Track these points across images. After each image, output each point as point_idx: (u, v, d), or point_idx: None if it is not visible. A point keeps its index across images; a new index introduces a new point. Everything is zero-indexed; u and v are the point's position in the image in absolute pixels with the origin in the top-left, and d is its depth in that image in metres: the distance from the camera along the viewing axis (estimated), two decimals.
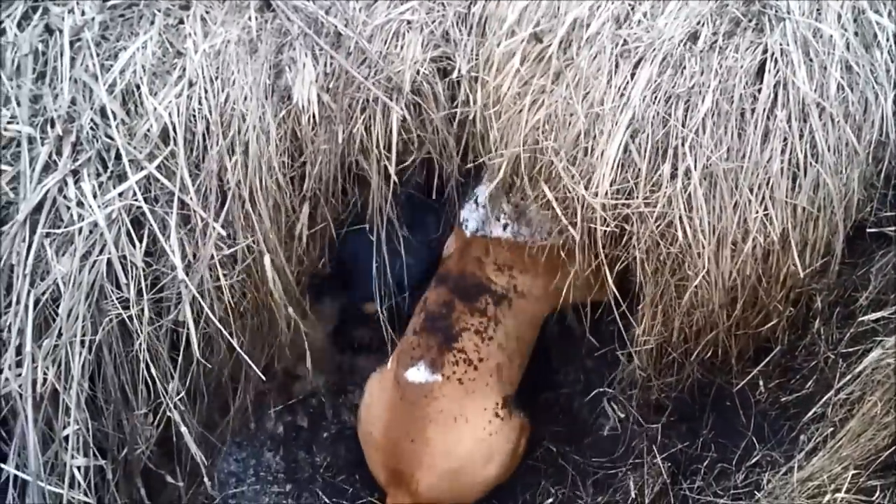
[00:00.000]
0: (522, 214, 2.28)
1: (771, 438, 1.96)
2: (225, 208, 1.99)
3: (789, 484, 1.72)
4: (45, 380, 1.72)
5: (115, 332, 1.85)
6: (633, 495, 2.14)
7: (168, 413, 1.79)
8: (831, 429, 1.78)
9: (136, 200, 1.87)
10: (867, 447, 1.62)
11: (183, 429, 1.77)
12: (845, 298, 2.06)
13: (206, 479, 1.83)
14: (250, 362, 1.93)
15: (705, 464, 2.13)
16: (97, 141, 1.90)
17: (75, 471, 1.69)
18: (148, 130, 1.93)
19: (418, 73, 2.16)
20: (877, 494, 1.55)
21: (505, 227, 2.28)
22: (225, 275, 1.98)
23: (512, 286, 2.24)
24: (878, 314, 1.79)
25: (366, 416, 2.26)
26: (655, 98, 2.04)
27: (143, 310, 1.83)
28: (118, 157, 1.90)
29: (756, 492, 1.82)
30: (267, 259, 1.98)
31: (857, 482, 1.58)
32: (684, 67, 2.05)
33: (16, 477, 1.68)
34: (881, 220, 2.10)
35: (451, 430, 2.13)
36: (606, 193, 2.03)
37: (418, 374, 2.16)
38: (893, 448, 1.58)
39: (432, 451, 2.12)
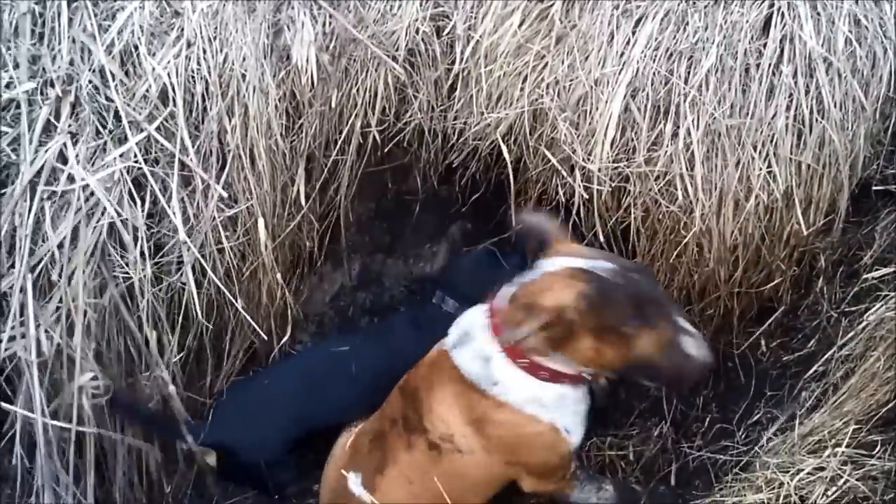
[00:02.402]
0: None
1: (772, 397, 1.96)
2: (225, 170, 1.99)
3: (790, 440, 1.72)
4: (49, 339, 1.74)
5: (118, 294, 1.86)
6: (631, 455, 2.15)
7: (161, 373, 1.80)
8: (833, 385, 1.78)
9: (136, 162, 1.87)
10: (868, 402, 1.62)
11: (171, 389, 1.79)
12: (849, 257, 2.04)
13: (188, 442, 1.85)
14: (255, 324, 1.94)
15: (706, 423, 2.14)
16: (96, 102, 1.89)
17: (86, 407, 1.71)
18: (147, 91, 1.92)
19: (417, 31, 2.13)
20: (877, 449, 1.55)
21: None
22: (227, 237, 1.99)
23: (449, 436, 1.78)
24: (882, 271, 1.78)
25: (327, 467, 2.05)
26: (657, 55, 2.01)
27: (145, 272, 1.84)
28: (118, 118, 1.90)
29: (757, 449, 1.82)
30: (261, 222, 1.98)
31: (858, 437, 1.58)
32: (687, 23, 2.03)
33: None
34: (887, 177, 2.07)
35: None
36: (607, 157, 2.03)
37: (354, 482, 1.87)
38: (894, 403, 1.58)
39: None
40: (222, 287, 1.90)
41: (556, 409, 1.75)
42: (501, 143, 2.16)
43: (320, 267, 2.49)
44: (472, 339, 1.78)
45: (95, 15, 1.97)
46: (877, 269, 1.84)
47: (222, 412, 2.01)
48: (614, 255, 1.77)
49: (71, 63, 1.91)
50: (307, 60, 2.05)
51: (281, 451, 1.99)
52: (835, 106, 1.95)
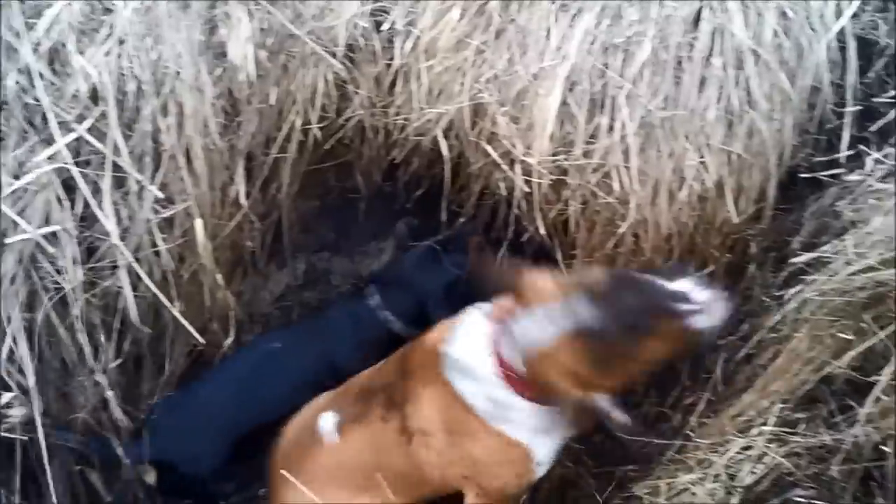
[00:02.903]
0: None
1: (707, 380, 2.01)
2: (161, 170, 1.96)
3: (721, 420, 1.77)
4: None
5: (49, 301, 1.83)
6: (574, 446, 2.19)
7: (98, 378, 1.77)
8: (762, 367, 1.84)
9: (66, 164, 1.83)
10: (793, 382, 1.67)
11: (109, 394, 1.77)
12: (779, 243, 2.10)
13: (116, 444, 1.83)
14: (191, 329, 1.92)
15: (644, 409, 2.19)
16: (23, 103, 1.85)
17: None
18: (76, 91, 1.88)
19: (356, 26, 2.13)
20: (801, 426, 1.61)
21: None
22: (164, 239, 1.96)
23: (423, 430, 1.80)
24: (808, 255, 1.84)
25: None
26: (593, 49, 2.05)
27: (77, 279, 1.80)
28: (46, 119, 1.85)
29: (691, 433, 1.87)
30: (198, 223, 1.96)
31: (783, 415, 1.64)
32: (622, 17, 2.06)
33: None
34: (814, 165, 2.13)
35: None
36: (546, 150, 2.06)
37: (328, 421, 1.90)
38: (816, 382, 1.64)
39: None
40: (157, 292, 1.87)
41: (543, 437, 1.75)
42: (441, 139, 2.18)
43: (264, 267, 2.48)
44: (473, 375, 1.73)
45: (23, 12, 1.93)
46: (804, 254, 1.89)
47: (157, 427, 1.97)
48: (584, 281, 1.64)
49: None
50: (244, 57, 2.03)
51: (220, 459, 1.96)
52: (763, 97, 2.01)
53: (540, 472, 1.81)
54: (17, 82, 1.85)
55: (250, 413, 2.01)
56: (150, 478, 1.95)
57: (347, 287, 2.62)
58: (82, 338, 1.80)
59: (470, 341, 1.77)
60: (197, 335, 1.90)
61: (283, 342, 2.13)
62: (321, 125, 2.21)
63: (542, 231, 2.14)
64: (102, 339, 1.87)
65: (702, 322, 1.58)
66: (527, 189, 2.10)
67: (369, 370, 1.98)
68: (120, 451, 1.90)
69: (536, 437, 1.76)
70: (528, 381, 1.68)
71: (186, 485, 1.97)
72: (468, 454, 1.77)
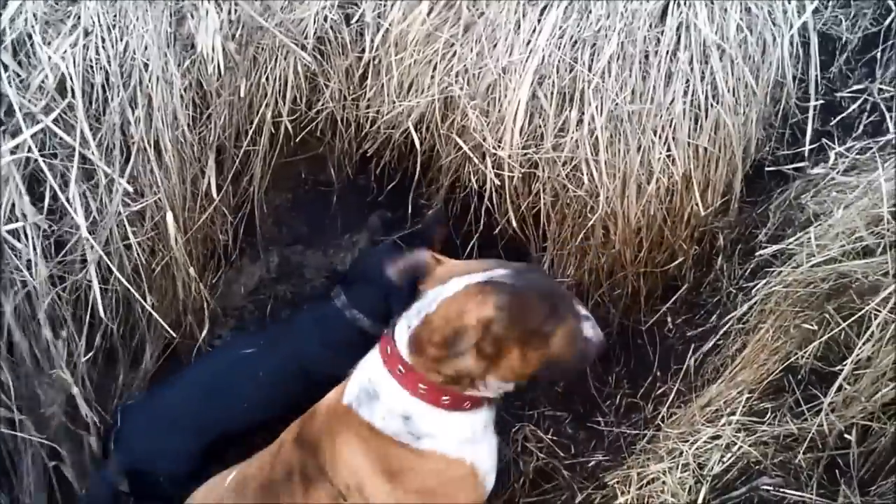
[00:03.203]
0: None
1: (677, 371, 2.04)
2: (130, 163, 1.95)
3: (690, 410, 1.81)
4: None
5: (18, 295, 1.80)
6: (547, 439, 2.21)
7: (62, 374, 1.75)
8: (730, 357, 1.88)
9: (31, 154, 1.80)
10: (760, 372, 1.71)
11: (75, 390, 1.75)
12: (746, 235, 2.14)
13: (90, 439, 1.81)
14: (162, 321, 1.91)
15: (618, 399, 2.22)
16: None
17: None
18: (43, 82, 1.86)
19: (325, 19, 2.12)
20: (767, 416, 1.64)
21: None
22: (134, 232, 1.95)
23: (357, 485, 1.63)
24: (775, 247, 1.87)
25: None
26: (562, 43, 2.06)
27: (43, 273, 1.78)
28: (11, 110, 1.83)
29: (659, 422, 1.90)
30: (169, 216, 1.94)
31: (750, 405, 1.67)
32: (590, 12, 2.08)
33: None
34: (779, 158, 2.18)
35: None
36: (516, 143, 2.07)
37: None
38: (782, 372, 1.68)
39: None
40: (128, 285, 1.85)
41: (478, 445, 1.66)
42: (413, 132, 2.18)
43: (237, 260, 2.46)
44: (377, 397, 1.62)
45: None
46: (770, 246, 1.93)
47: (124, 436, 1.92)
48: (501, 261, 1.67)
49: None
50: (213, 49, 2.02)
51: (191, 462, 1.94)
52: (728, 91, 2.04)
53: (490, 482, 1.70)
54: None
55: (220, 417, 1.98)
56: (124, 486, 1.92)
57: (321, 281, 2.62)
58: (48, 333, 1.77)
59: (365, 369, 1.68)
60: (169, 329, 1.89)
61: (252, 347, 2.10)
62: (292, 118, 2.21)
63: (514, 224, 2.16)
64: (74, 333, 1.84)
65: (588, 330, 1.59)
66: (497, 182, 2.12)
67: (253, 463, 1.78)
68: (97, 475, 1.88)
69: (471, 449, 1.65)
70: (424, 374, 1.58)
71: (158, 488, 1.95)
72: (416, 488, 1.62)
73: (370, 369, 1.66)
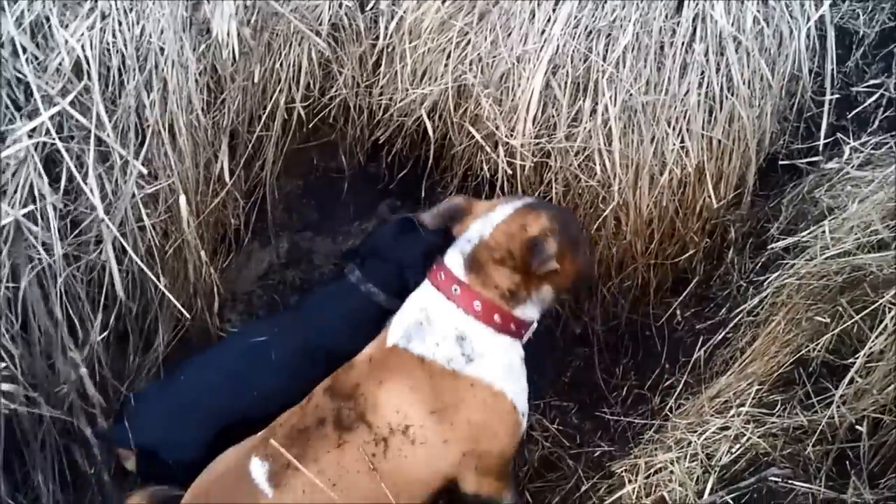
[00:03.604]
0: None
1: (686, 363, 2.04)
2: (145, 146, 1.95)
3: (699, 401, 1.81)
4: None
5: (34, 274, 1.82)
6: (553, 428, 2.22)
7: (72, 353, 1.76)
8: (739, 350, 1.88)
9: (50, 138, 1.81)
10: (770, 364, 1.72)
11: (83, 370, 1.76)
12: (758, 229, 2.14)
13: (100, 420, 1.82)
14: (175, 301, 1.92)
15: (625, 390, 2.22)
16: (6, 76, 1.83)
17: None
18: (60, 65, 1.86)
19: (340, 6, 2.13)
20: (777, 408, 1.65)
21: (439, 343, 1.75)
22: (147, 214, 1.95)
23: (402, 426, 1.70)
24: (786, 241, 1.87)
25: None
26: (576, 33, 2.06)
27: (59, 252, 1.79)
28: (29, 93, 1.84)
29: (667, 413, 1.91)
30: (182, 199, 1.95)
31: (760, 397, 1.68)
32: (605, 2, 2.08)
33: None
34: (793, 152, 2.17)
35: None
36: (529, 133, 2.07)
37: (258, 470, 1.71)
38: (793, 364, 1.68)
39: None
40: (142, 265, 1.86)
41: (517, 383, 1.77)
42: (426, 119, 2.18)
43: (248, 245, 2.47)
44: (432, 323, 1.75)
45: None
46: (783, 238, 1.93)
47: (139, 413, 1.92)
48: (518, 193, 1.90)
49: None
50: (228, 34, 2.02)
51: (204, 448, 1.94)
52: (744, 83, 2.04)
53: (525, 424, 1.80)
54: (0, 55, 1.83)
55: (236, 404, 1.97)
56: (130, 464, 1.93)
57: (329, 268, 2.62)
58: (62, 311, 1.78)
59: (413, 303, 1.81)
60: (182, 309, 1.90)
61: (264, 334, 2.06)
62: (305, 104, 2.21)
63: None
64: (89, 313, 1.86)
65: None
66: (510, 171, 2.12)
67: (283, 417, 1.80)
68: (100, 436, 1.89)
69: (511, 384, 1.76)
70: (480, 290, 1.75)
71: (166, 471, 1.96)
72: (464, 423, 1.71)
73: (420, 300, 1.81)
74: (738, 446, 1.60)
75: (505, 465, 1.81)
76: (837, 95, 2.15)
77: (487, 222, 1.78)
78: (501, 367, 1.76)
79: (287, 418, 1.79)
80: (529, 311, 1.80)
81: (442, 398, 1.71)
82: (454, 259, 1.79)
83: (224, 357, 2.07)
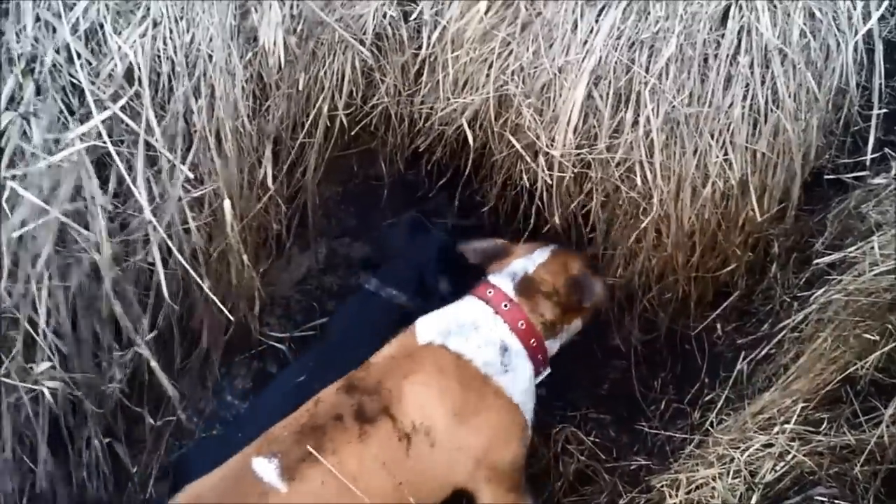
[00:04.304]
0: None
1: (726, 378, 2.02)
2: (192, 151, 1.99)
3: (742, 417, 1.78)
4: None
5: (85, 273, 1.86)
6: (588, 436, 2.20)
7: (136, 349, 1.80)
8: (783, 366, 1.85)
9: (101, 141, 1.85)
10: (816, 381, 1.68)
11: (153, 363, 1.79)
12: (802, 244, 2.11)
13: (179, 412, 1.85)
14: (219, 303, 1.95)
15: (663, 404, 2.20)
16: (60, 81, 1.88)
17: (46, 392, 1.70)
18: (112, 70, 1.91)
19: (384, 15, 2.15)
20: (823, 426, 1.61)
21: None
22: (193, 217, 1.99)
23: (424, 427, 1.75)
24: (832, 256, 1.84)
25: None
26: (619, 44, 2.05)
27: (107, 252, 1.83)
28: (82, 97, 1.88)
29: (709, 428, 1.88)
30: (227, 203, 1.98)
31: (805, 414, 1.65)
32: (648, 13, 2.07)
33: None
34: (838, 166, 2.14)
35: None
36: (570, 143, 2.07)
37: (266, 467, 1.70)
38: (840, 382, 1.65)
39: None
40: (188, 266, 1.90)
41: (529, 403, 1.90)
42: (467, 129, 2.19)
43: (288, 250, 2.50)
44: (478, 328, 1.88)
45: None
46: (830, 254, 1.90)
47: (191, 470, 1.86)
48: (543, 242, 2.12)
49: (35, 41, 1.89)
50: (274, 42, 2.06)
51: None
52: (789, 96, 2.01)
53: (528, 440, 1.91)
54: (55, 60, 1.88)
55: None
56: None
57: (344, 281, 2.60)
58: (114, 310, 1.82)
59: (457, 309, 1.94)
60: (225, 309, 1.93)
61: (306, 372, 2.06)
62: (347, 112, 2.24)
63: (558, 223, 2.16)
64: (139, 312, 1.89)
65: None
66: (549, 181, 2.11)
67: (287, 419, 1.80)
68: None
69: (526, 402, 1.89)
70: (528, 314, 1.92)
71: None
72: (484, 429, 1.80)
73: (465, 309, 1.94)
74: (782, 464, 1.57)
75: (517, 474, 1.89)
76: (885, 110, 2.10)
77: (530, 261, 2.01)
78: (522, 384, 1.89)
79: (292, 421, 1.80)
80: (554, 346, 2.00)
81: (467, 398, 1.80)
82: (503, 282, 1.97)
83: (271, 403, 2.06)
